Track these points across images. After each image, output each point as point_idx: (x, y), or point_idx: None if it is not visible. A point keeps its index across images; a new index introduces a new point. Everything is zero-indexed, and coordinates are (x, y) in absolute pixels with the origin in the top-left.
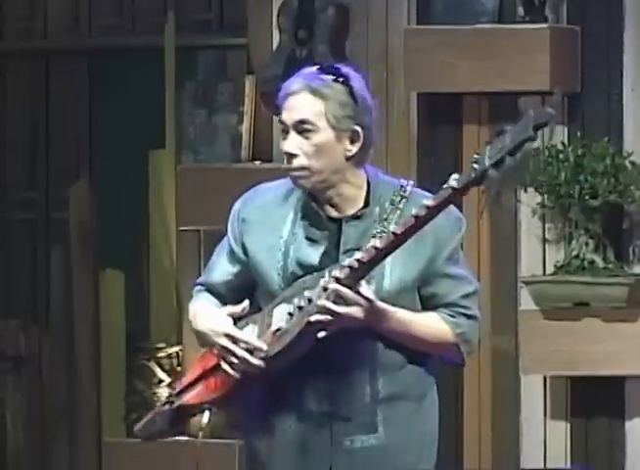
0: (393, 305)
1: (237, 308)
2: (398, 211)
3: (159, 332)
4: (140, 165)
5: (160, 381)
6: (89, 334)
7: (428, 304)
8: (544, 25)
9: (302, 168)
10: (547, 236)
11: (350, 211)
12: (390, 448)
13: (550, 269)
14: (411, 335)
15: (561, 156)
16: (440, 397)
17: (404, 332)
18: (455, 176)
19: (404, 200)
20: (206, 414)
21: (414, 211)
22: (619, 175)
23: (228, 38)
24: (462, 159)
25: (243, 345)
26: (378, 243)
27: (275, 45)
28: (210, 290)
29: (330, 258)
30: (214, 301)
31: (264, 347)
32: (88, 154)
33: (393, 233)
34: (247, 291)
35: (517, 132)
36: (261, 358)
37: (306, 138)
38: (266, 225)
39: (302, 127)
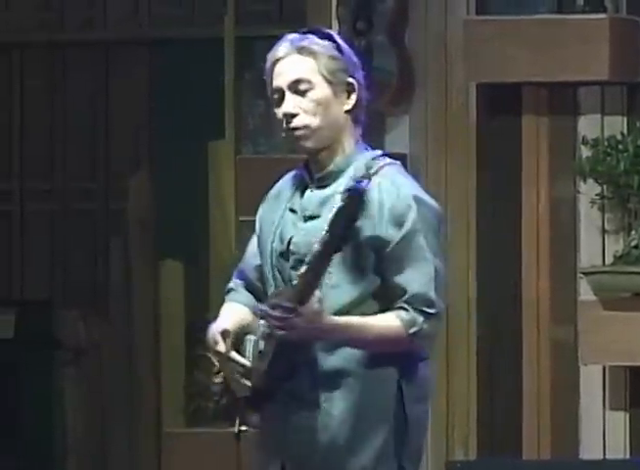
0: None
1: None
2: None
3: None
4: (199, 156)
5: (220, 371)
6: (149, 324)
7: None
8: (604, 15)
9: (304, 127)
10: (606, 226)
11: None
12: (335, 426)
13: (609, 260)
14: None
15: (620, 146)
16: (498, 387)
17: (352, 342)
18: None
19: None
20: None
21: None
22: None
23: (287, 29)
24: (521, 149)
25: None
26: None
27: None
28: (244, 279)
29: (295, 227)
30: (240, 299)
31: (247, 363)
32: (148, 145)
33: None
34: None
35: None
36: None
37: (304, 96)
38: (274, 203)
39: (298, 87)
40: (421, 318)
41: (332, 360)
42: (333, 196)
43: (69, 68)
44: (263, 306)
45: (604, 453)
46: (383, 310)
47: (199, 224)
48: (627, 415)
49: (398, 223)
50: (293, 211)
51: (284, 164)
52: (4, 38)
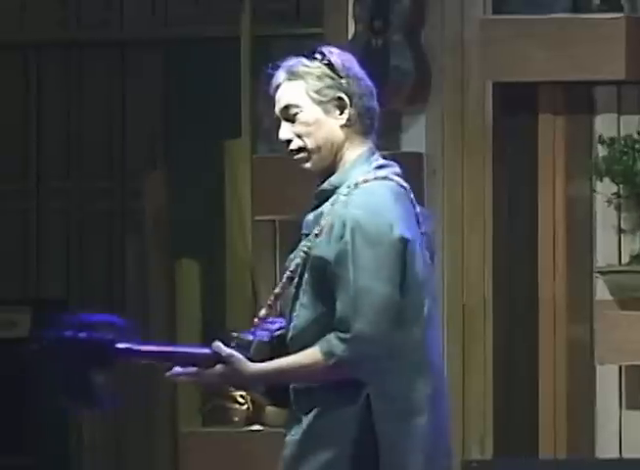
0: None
1: None
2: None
3: (234, 322)
4: (215, 155)
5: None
6: (165, 323)
7: None
8: (620, 15)
9: (299, 150)
10: (623, 226)
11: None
12: (303, 441)
13: (626, 259)
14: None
15: (636, 145)
16: (514, 386)
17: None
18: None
19: (341, 197)
20: None
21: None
22: None
23: (304, 28)
24: (537, 148)
25: None
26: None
27: (351, 35)
28: None
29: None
30: None
31: None
32: (164, 144)
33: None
34: None
35: None
36: None
37: (295, 120)
38: None
39: (289, 112)
40: (341, 346)
41: None
42: (321, 214)
43: (86, 67)
44: (174, 370)
45: (620, 452)
46: None
47: (215, 224)
48: None
49: (336, 244)
50: None
51: (300, 164)
52: (20, 38)
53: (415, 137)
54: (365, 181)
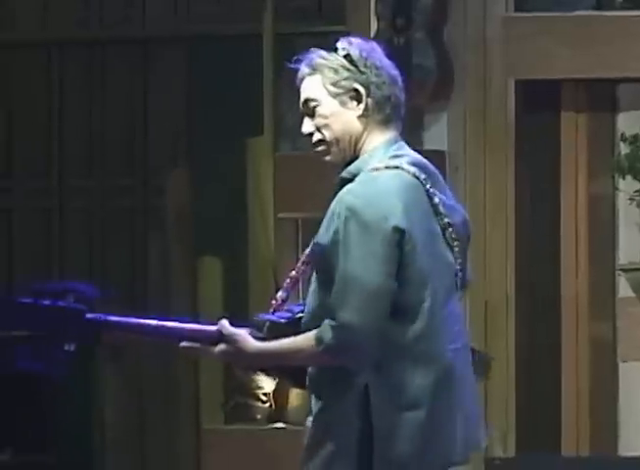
0: None
1: None
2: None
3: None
4: (238, 153)
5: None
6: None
7: None
8: None
9: (320, 143)
10: None
11: None
12: (309, 430)
13: None
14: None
15: None
16: (537, 384)
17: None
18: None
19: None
20: None
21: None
22: None
23: (326, 25)
24: (560, 145)
25: None
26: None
27: (373, 32)
28: None
29: None
30: None
31: None
32: (186, 141)
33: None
34: None
35: None
36: None
37: (314, 114)
38: None
39: (309, 107)
40: (329, 334)
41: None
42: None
43: (108, 65)
44: (184, 343)
45: None
46: None
47: (237, 221)
48: None
49: (332, 231)
50: None
51: (322, 161)
52: (43, 36)
53: (437, 135)
54: (375, 170)
